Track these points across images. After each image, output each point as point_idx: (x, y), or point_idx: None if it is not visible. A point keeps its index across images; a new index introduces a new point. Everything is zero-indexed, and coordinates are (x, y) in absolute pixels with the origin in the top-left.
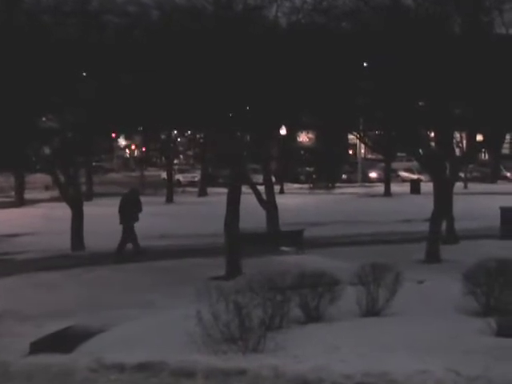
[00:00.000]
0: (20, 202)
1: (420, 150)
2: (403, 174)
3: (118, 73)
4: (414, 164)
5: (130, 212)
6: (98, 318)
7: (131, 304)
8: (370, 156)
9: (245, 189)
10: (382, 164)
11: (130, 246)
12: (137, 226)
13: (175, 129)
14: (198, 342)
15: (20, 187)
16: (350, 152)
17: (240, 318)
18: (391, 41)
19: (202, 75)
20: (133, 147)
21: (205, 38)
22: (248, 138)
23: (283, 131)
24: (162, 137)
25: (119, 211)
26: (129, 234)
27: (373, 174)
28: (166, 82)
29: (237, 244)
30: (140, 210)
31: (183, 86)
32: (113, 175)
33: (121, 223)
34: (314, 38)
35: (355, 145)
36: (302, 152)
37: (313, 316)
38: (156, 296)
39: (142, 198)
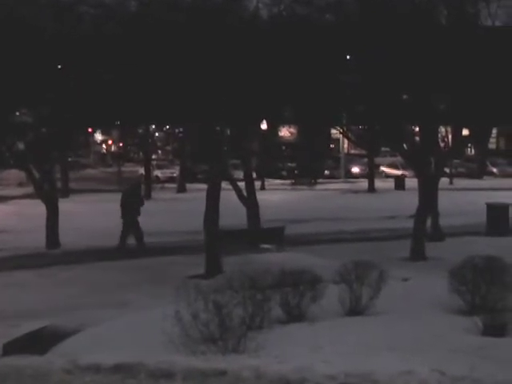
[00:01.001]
0: None
1: (404, 145)
2: (385, 169)
3: (94, 66)
4: (399, 159)
5: (131, 206)
6: (74, 318)
7: (108, 303)
8: (353, 151)
9: (225, 185)
10: (365, 159)
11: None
12: (112, 223)
13: (153, 123)
14: (177, 343)
15: None
16: (333, 147)
17: (220, 318)
18: (375, 33)
19: (180, 68)
20: (110, 142)
21: (183, 30)
22: (228, 132)
23: (264, 126)
24: (140, 131)
25: (121, 205)
26: (131, 228)
27: (355, 169)
28: (143, 75)
29: (216, 241)
30: (142, 204)
31: (161, 79)
32: (89, 171)
33: (122, 217)
34: (296, 30)
35: (338, 140)
36: (284, 147)
37: (294, 315)
38: (133, 295)
39: (119, 195)
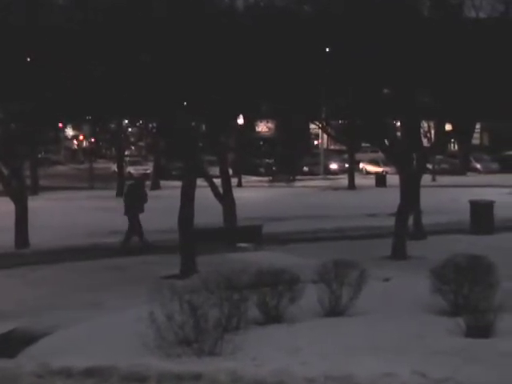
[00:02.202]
0: None
1: (385, 141)
2: (366, 166)
3: (63, 58)
4: (380, 155)
5: (134, 203)
6: (44, 320)
7: (79, 305)
8: (333, 147)
9: (200, 182)
10: (345, 155)
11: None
12: (84, 221)
13: (126, 117)
14: (151, 345)
15: None
16: (317, 143)
17: (195, 319)
18: (356, 25)
19: (153, 60)
20: (81, 138)
21: (158, 21)
22: (203, 127)
23: (241, 120)
24: (112, 126)
25: (124, 202)
26: (134, 225)
27: (333, 166)
28: (114, 67)
29: (191, 241)
30: (145, 200)
31: (133, 71)
32: (60, 168)
33: (125, 214)
34: (273, 22)
35: (317, 135)
36: (261, 142)
37: (272, 316)
38: (106, 296)
39: (91, 192)
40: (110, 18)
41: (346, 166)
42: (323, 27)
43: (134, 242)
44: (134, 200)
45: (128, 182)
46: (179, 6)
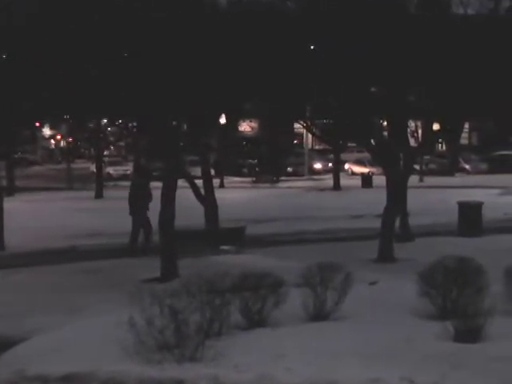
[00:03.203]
0: None
1: (372, 140)
2: (351, 166)
3: (37, 55)
4: (366, 155)
5: (139, 203)
6: (20, 326)
7: (57, 310)
8: (318, 147)
9: (181, 183)
10: (330, 155)
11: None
12: (62, 223)
13: (105, 116)
14: (131, 351)
15: None
16: (297, 143)
17: (176, 324)
18: (342, 22)
19: (133, 56)
20: (58, 137)
21: (136, 16)
22: (185, 126)
23: (223, 120)
24: (91, 125)
25: (129, 202)
26: (140, 224)
27: (317, 165)
28: (92, 63)
29: (172, 243)
30: (150, 200)
31: (112, 68)
32: (36, 168)
33: (130, 214)
34: (257, 18)
35: (302, 135)
36: (244, 142)
37: (255, 321)
38: (85, 300)
39: (69, 193)
40: (86, 14)
41: (330, 165)
42: (308, 24)
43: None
44: (139, 200)
45: (132, 182)
46: (161, 2)
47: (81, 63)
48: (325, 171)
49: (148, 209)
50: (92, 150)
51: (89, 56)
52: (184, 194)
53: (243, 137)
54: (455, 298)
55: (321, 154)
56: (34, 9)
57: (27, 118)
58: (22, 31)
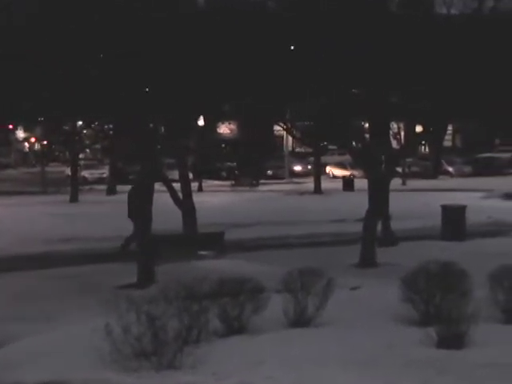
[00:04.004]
0: None
1: (353, 143)
2: (332, 169)
3: (10, 56)
4: (347, 158)
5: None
6: None
7: (31, 317)
8: (298, 149)
9: (158, 186)
10: (311, 158)
11: None
12: (37, 228)
13: (80, 118)
14: (107, 359)
15: None
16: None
17: (153, 331)
18: (323, 22)
19: (109, 57)
20: (33, 140)
21: (114, 17)
22: (162, 129)
23: (201, 121)
24: (66, 128)
25: (128, 205)
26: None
27: (297, 168)
28: (67, 64)
29: (149, 248)
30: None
31: (88, 69)
32: (10, 171)
33: (129, 217)
34: (236, 18)
35: (282, 137)
36: (223, 145)
37: (234, 327)
38: (60, 307)
39: (43, 198)
40: (61, 12)
41: (309, 167)
42: (288, 25)
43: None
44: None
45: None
46: (139, 2)
47: (55, 65)
48: (305, 173)
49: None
50: (67, 153)
51: (64, 58)
52: (161, 197)
53: (222, 139)
54: (438, 303)
55: (301, 157)
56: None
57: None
58: None
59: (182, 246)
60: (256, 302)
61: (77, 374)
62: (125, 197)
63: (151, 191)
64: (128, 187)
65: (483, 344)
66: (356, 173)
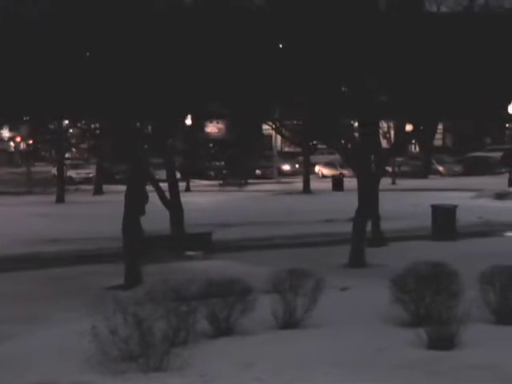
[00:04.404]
0: None
1: (342, 142)
2: (321, 168)
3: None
4: (336, 157)
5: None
6: None
7: (17, 318)
8: (287, 149)
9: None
10: (300, 157)
11: None
12: (23, 229)
13: (66, 118)
14: (94, 361)
15: None
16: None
17: (140, 333)
18: (310, 19)
19: (95, 55)
20: (18, 139)
21: (101, 14)
22: (149, 128)
23: (189, 121)
24: (52, 127)
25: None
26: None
27: (286, 167)
28: (53, 62)
29: (137, 249)
30: (146, 202)
31: (73, 67)
32: None
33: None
34: (222, 15)
35: (270, 136)
36: (211, 144)
37: (223, 329)
38: (46, 309)
39: (29, 198)
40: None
41: (297, 166)
42: (276, 22)
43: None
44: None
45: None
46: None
47: (41, 63)
48: (293, 173)
49: (144, 212)
50: (53, 152)
51: (49, 56)
52: (148, 197)
53: (210, 138)
54: (428, 304)
55: (290, 157)
56: None
57: None
58: None
59: (169, 246)
60: (244, 303)
61: (63, 376)
62: (112, 197)
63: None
64: (115, 187)
65: (474, 345)
66: (345, 172)
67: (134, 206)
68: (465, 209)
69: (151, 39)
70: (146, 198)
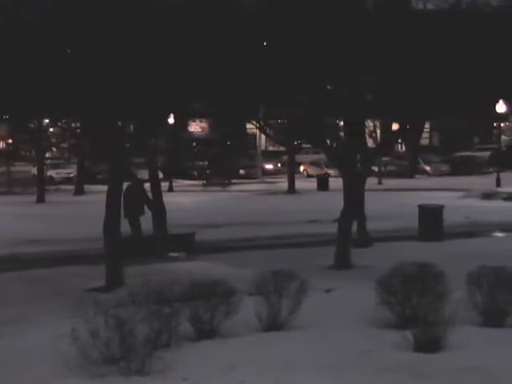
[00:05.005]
0: None
1: (327, 141)
2: (306, 168)
3: None
4: (322, 157)
5: (134, 204)
6: None
7: None
8: (271, 148)
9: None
10: (285, 157)
11: None
12: (2, 229)
13: (47, 117)
14: (73, 364)
15: None
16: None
17: (121, 336)
18: (296, 16)
19: (74, 52)
20: None
21: (82, 9)
22: (131, 127)
23: (171, 120)
24: (32, 126)
25: (124, 204)
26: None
27: (268, 166)
28: (32, 59)
29: (118, 250)
30: (145, 202)
31: (53, 64)
32: None
33: (125, 217)
34: (207, 13)
35: (254, 135)
36: (194, 144)
37: (206, 331)
38: (25, 311)
39: (9, 198)
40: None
41: (279, 165)
42: (260, 20)
43: None
44: (135, 201)
45: (128, 183)
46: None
47: (20, 60)
48: (276, 172)
49: (144, 212)
50: (33, 152)
51: (29, 52)
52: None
53: (193, 138)
54: (415, 305)
55: (275, 156)
56: None
57: None
58: None
59: (151, 247)
60: (228, 305)
61: (41, 381)
62: (93, 197)
63: (120, 191)
64: (96, 187)
65: (461, 347)
66: (331, 172)
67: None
68: (452, 209)
69: (134, 38)
70: (146, 200)
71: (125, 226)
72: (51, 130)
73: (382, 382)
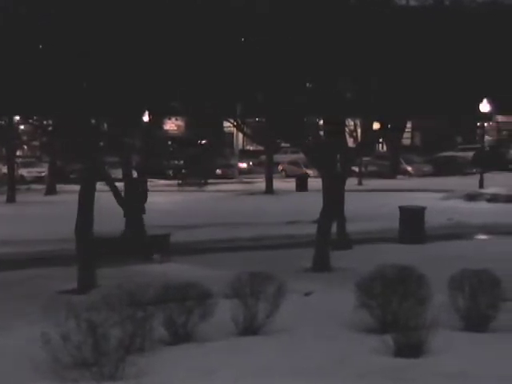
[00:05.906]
0: None
1: (306, 141)
2: (285, 168)
3: None
4: (301, 156)
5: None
6: None
7: None
8: (249, 147)
9: (101, 186)
10: (263, 156)
11: None
12: None
13: (17, 113)
14: (44, 369)
15: None
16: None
17: (94, 340)
18: (276, 11)
19: (47, 47)
20: None
21: (58, 5)
22: (104, 125)
23: (146, 117)
24: (2, 123)
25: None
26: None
27: (243, 165)
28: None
29: (91, 251)
30: (145, 200)
31: (24, 60)
32: None
33: (125, 216)
34: (185, 9)
35: (232, 134)
36: (170, 142)
37: (180, 335)
38: None
39: None
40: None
41: (251, 163)
42: (238, 17)
43: None
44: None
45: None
46: None
47: None
48: (249, 171)
49: (144, 212)
50: (3, 150)
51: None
52: (103, 197)
53: (169, 136)
54: (396, 309)
55: (252, 155)
56: None
57: None
58: None
59: (125, 248)
60: (203, 308)
61: None
62: (65, 197)
63: (92, 191)
64: (68, 187)
65: (442, 352)
66: (310, 172)
67: (86, 206)
68: (434, 210)
69: (109, 34)
70: (145, 196)
71: (99, 226)
72: (22, 127)
73: None
